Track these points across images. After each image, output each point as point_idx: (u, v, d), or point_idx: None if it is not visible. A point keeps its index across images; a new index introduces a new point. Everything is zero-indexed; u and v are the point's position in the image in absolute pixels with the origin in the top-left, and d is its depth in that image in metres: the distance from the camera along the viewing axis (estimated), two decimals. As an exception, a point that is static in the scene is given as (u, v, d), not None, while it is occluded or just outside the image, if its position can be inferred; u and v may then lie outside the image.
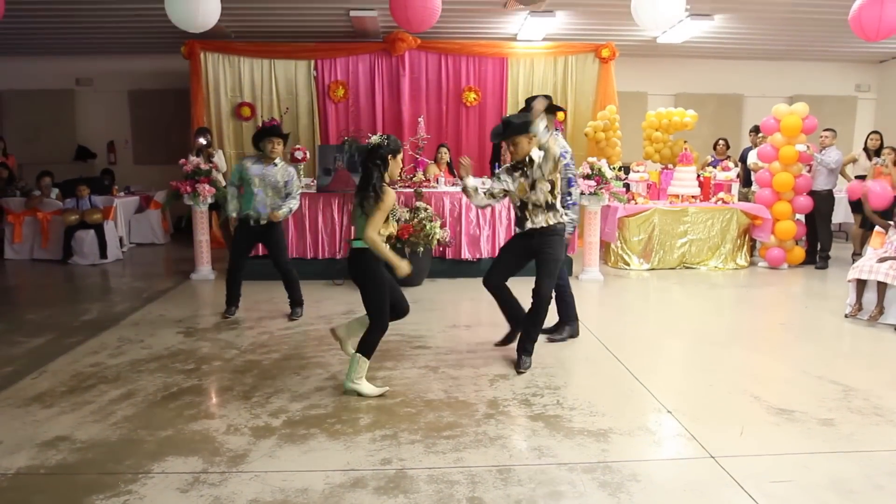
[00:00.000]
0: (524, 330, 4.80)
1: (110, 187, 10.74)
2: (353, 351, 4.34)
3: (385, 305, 4.21)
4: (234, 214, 6.08)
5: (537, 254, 4.71)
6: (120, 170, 11.99)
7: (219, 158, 8.68)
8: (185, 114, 10.71)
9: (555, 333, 5.49)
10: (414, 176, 8.23)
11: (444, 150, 8.89)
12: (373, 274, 4.17)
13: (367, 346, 4.28)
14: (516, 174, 4.69)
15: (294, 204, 6.14)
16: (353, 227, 4.30)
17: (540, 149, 4.53)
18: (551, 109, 5.16)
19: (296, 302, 6.26)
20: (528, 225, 4.70)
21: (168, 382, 4.62)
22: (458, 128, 10.76)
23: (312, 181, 8.43)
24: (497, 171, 5.36)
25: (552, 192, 4.61)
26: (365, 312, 4.30)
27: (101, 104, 12.07)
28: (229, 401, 4.29)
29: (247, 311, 6.53)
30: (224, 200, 6.33)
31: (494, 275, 4.83)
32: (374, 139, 4.21)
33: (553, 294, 4.83)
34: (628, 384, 4.59)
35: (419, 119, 8.70)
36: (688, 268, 8.70)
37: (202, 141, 8.84)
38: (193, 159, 8.09)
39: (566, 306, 5.42)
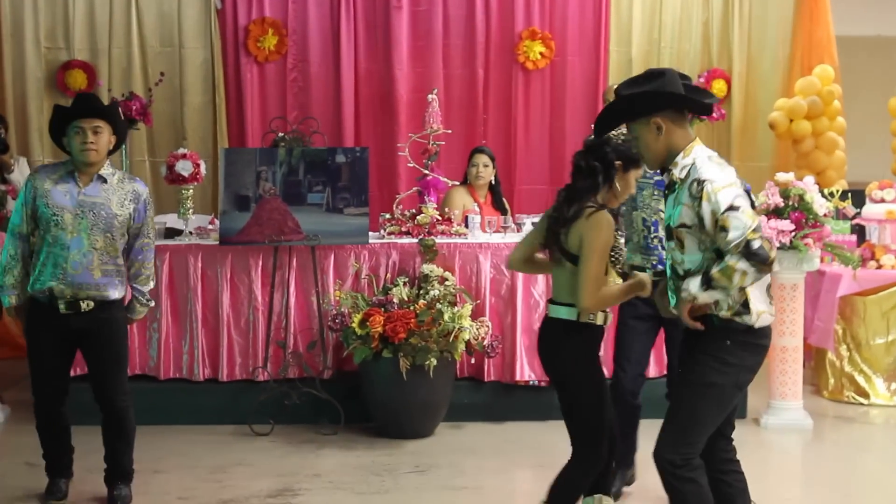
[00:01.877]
0: None
1: None
2: None
3: (604, 417, 4.91)
4: (12, 299, 5.91)
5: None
6: None
7: (20, 174, 8.77)
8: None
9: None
10: (418, 211, 8.27)
11: (483, 159, 8.91)
12: (588, 365, 4.90)
13: (572, 493, 4.95)
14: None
15: (152, 279, 6.20)
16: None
17: (697, 185, 4.47)
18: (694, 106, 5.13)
19: (118, 472, 6.15)
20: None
21: None
22: (507, 113, 10.89)
23: (211, 222, 8.51)
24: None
25: (709, 250, 4.53)
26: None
27: None
28: None
29: (73, 485, 6.48)
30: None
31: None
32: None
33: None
34: None
35: (429, 97, 8.73)
36: None
37: None
38: None
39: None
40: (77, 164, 5.80)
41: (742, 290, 4.24)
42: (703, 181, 4.25)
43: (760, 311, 4.35)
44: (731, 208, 4.14)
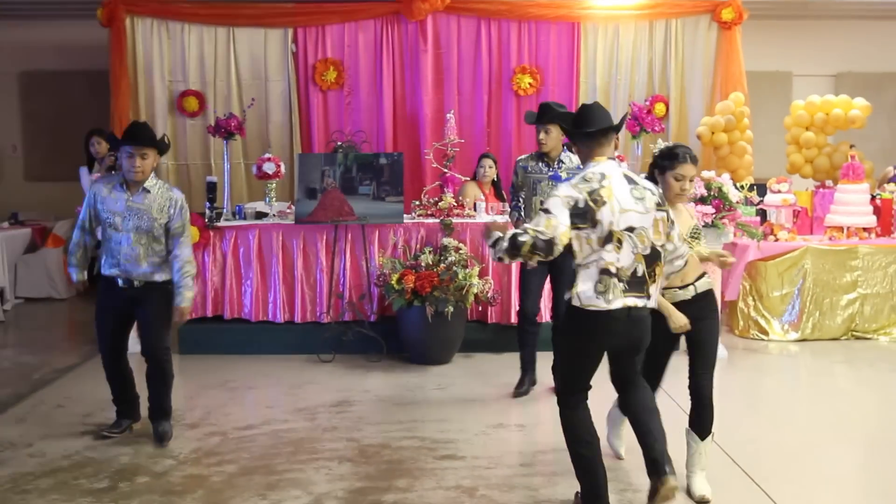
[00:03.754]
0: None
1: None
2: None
3: None
4: (78, 277, 5.74)
5: None
6: (4, 189, 12.29)
7: None
8: (103, 108, 10.91)
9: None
10: (440, 199, 8.29)
11: (488, 162, 8.93)
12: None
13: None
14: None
15: (192, 266, 5.61)
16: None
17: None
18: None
19: (160, 410, 5.73)
20: None
21: (69, 508, 4.63)
22: (505, 128, 10.85)
23: (289, 207, 8.54)
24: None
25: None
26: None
27: (-21, 93, 12.43)
28: (160, 537, 4.29)
29: (190, 399, 6.55)
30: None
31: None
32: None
33: None
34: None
35: (448, 115, 8.77)
36: (859, 338, 8.61)
37: (93, 148, 8.50)
38: (88, 180, 8.18)
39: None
40: (130, 180, 5.44)
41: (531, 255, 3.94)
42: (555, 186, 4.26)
43: (577, 291, 4.08)
44: (545, 210, 3.98)
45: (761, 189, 9.08)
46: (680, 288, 4.72)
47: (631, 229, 4.07)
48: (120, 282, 5.49)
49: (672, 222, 4.33)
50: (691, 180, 4.64)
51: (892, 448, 5.57)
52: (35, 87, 12.46)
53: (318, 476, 5.06)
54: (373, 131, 10.53)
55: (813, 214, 9.46)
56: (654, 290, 4.21)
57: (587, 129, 4.21)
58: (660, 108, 10.53)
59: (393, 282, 7.49)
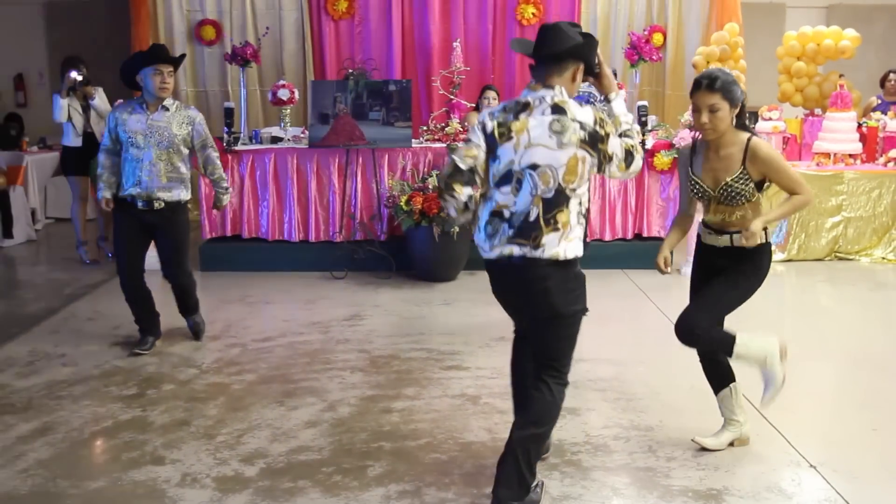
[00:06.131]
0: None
1: (18, 139, 10.91)
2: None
3: None
4: (106, 194, 5.66)
5: None
6: (32, 114, 12.18)
7: (100, 100, 8.39)
8: (124, 37, 10.87)
9: None
10: (446, 125, 8.26)
11: (492, 94, 8.87)
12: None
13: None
14: None
15: (221, 171, 5.91)
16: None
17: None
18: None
19: (186, 308, 6.00)
20: None
21: (100, 414, 4.71)
22: (509, 57, 10.74)
23: (303, 132, 8.51)
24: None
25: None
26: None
27: (5, 23, 12.28)
28: (185, 440, 4.36)
29: (211, 313, 6.61)
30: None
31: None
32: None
33: None
34: (752, 426, 4.55)
35: (454, 44, 8.69)
36: (842, 259, 8.61)
37: (74, 76, 8.31)
38: (62, 103, 8.15)
39: None
40: (148, 98, 5.50)
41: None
42: None
43: (477, 230, 3.69)
44: (467, 139, 3.63)
45: (753, 117, 9.03)
46: (716, 231, 4.05)
47: (534, 167, 3.44)
48: (140, 203, 5.52)
49: (608, 159, 3.52)
50: (713, 111, 3.75)
51: (870, 363, 5.61)
52: (60, 17, 12.41)
53: (332, 385, 5.13)
54: (382, 59, 10.50)
55: (802, 141, 9.40)
56: (550, 239, 3.45)
57: (536, 55, 3.56)
58: (657, 38, 10.38)
59: (402, 203, 7.48)
